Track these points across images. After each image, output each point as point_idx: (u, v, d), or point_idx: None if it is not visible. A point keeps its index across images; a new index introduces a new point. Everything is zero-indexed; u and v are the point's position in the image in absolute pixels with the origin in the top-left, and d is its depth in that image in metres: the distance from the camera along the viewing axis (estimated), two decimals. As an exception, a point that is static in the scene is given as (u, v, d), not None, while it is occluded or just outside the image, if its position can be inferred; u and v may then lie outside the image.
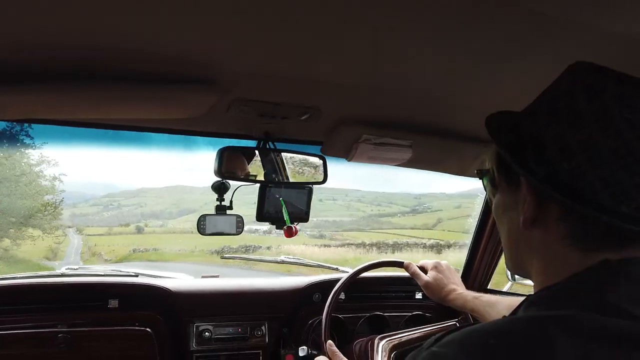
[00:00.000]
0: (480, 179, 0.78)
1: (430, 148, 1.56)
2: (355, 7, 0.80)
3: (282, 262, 2.21)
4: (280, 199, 1.58)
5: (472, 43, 0.95)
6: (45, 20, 0.86)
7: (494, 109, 1.33)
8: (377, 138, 1.46)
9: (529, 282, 2.19)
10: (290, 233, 1.62)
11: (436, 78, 1.15)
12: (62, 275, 1.87)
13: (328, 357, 1.39)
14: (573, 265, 0.58)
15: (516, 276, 2.08)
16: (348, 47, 0.98)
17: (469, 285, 2.14)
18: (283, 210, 1.59)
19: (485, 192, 1.93)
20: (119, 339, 1.72)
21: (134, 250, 23.07)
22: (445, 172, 1.75)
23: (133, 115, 1.31)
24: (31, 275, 1.82)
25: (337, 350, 1.39)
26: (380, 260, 1.72)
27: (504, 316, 0.61)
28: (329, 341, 1.44)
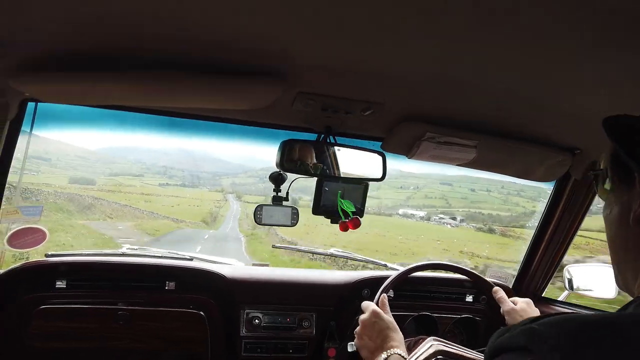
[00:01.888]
0: (593, 179, 0.78)
1: (496, 150, 1.51)
2: (426, 4, 0.77)
3: (332, 255, 2.22)
4: (339, 192, 1.57)
5: (560, 47, 0.90)
6: (123, 12, 0.89)
7: (570, 112, 1.27)
8: (441, 137, 1.43)
9: (588, 292, 2.06)
10: (344, 227, 1.61)
11: (515, 79, 1.11)
12: (123, 254, 1.96)
13: (377, 304, 1.42)
14: None
15: (574, 286, 2.00)
16: (419, 43, 0.96)
17: (522, 291, 2.07)
18: (338, 205, 1.58)
19: (549, 196, 1.86)
20: (174, 319, 1.79)
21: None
22: (507, 175, 1.70)
23: (200, 105, 1.34)
24: (96, 252, 1.91)
25: (387, 305, 1.42)
26: (471, 270, 1.76)
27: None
28: (384, 295, 1.48)
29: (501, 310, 1.53)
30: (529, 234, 2.09)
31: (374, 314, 1.35)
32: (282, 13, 0.87)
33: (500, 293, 1.54)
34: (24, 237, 1.67)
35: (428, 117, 1.40)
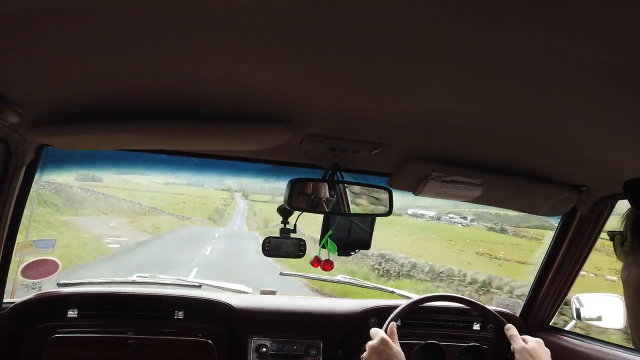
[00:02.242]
0: (611, 239, 0.78)
1: (502, 187, 1.52)
2: (434, 52, 0.78)
3: (339, 281, 2.23)
4: (330, 231, 1.60)
5: (566, 94, 0.91)
6: (139, 72, 0.92)
7: (576, 152, 1.27)
8: (448, 176, 1.44)
9: (596, 322, 2.04)
10: (316, 263, 1.65)
11: (521, 124, 1.12)
12: (134, 282, 1.99)
13: (386, 332, 1.41)
14: None
15: (582, 315, 1.99)
16: (427, 92, 0.98)
17: (530, 320, 2.07)
18: (322, 242, 1.61)
19: (555, 229, 1.85)
20: (183, 348, 1.81)
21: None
22: (513, 210, 1.70)
23: (215, 148, 1.38)
24: (107, 281, 1.95)
25: (396, 334, 1.42)
26: (482, 304, 1.75)
27: None
28: (394, 323, 1.48)
29: (511, 347, 1.54)
30: (542, 234, 2.09)
31: (383, 341, 1.36)
32: (290, 71, 0.90)
33: (512, 331, 1.54)
34: (37, 269, 1.71)
35: (435, 157, 1.42)
